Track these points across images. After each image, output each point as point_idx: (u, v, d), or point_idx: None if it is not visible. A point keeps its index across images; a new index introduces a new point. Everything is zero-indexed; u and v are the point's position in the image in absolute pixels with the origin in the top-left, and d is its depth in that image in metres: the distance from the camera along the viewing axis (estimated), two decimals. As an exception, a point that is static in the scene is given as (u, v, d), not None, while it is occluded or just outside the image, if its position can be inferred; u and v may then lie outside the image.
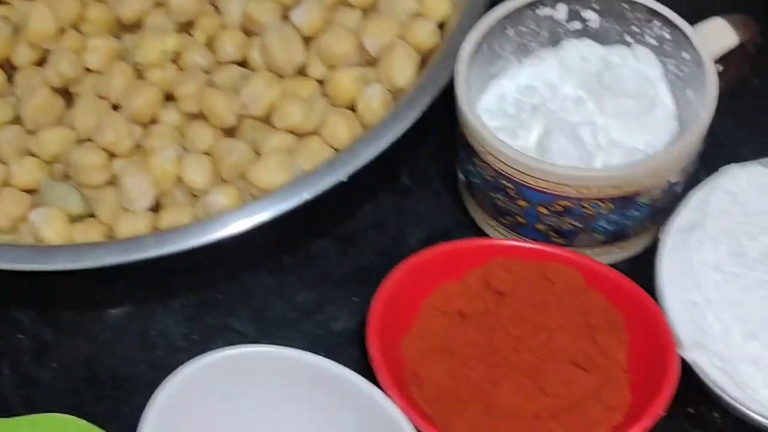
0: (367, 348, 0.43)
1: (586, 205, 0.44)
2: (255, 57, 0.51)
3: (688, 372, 0.43)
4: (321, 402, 0.42)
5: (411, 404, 0.41)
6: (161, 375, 0.47)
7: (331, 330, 0.48)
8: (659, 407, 0.41)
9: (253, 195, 0.47)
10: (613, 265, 0.47)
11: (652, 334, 0.43)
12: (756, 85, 0.56)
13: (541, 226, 0.46)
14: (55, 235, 0.46)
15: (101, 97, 0.50)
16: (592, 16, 0.49)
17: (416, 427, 0.40)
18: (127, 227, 0.46)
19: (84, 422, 0.43)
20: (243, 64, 0.52)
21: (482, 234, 0.50)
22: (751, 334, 0.42)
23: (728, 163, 0.48)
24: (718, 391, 0.42)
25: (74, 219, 0.48)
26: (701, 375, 0.42)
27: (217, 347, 0.47)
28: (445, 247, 0.46)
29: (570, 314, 0.44)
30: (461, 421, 0.41)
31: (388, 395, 0.41)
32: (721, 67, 0.49)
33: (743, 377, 0.42)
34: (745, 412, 0.41)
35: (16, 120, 0.51)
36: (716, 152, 0.50)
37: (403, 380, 0.43)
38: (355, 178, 0.46)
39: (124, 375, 0.48)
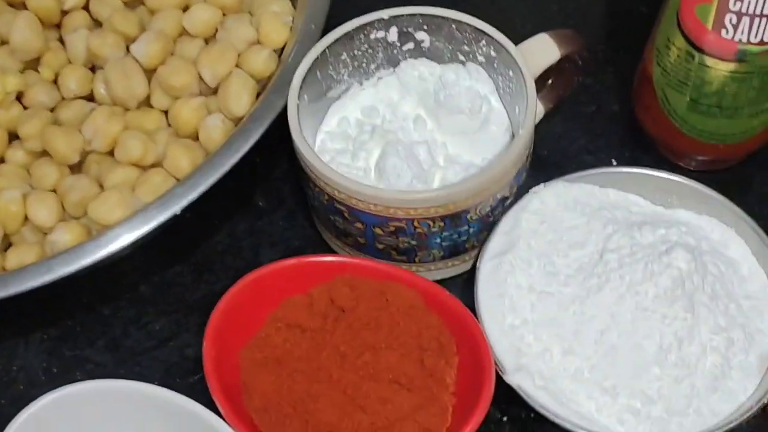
0: (203, 357, 0.44)
1: (418, 225, 0.46)
2: (101, 91, 0.52)
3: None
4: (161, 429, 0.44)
5: (241, 415, 0.43)
6: (20, 409, 0.48)
7: (186, 356, 0.50)
8: (470, 429, 0.42)
9: (99, 231, 0.48)
10: (456, 278, 0.49)
11: (475, 357, 0.44)
12: (597, 89, 0.58)
13: (380, 246, 0.48)
14: None
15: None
16: (424, 37, 0.51)
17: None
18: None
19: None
20: (91, 98, 0.53)
21: (333, 252, 0.51)
22: (568, 350, 0.44)
23: (570, 172, 0.49)
24: (544, 411, 0.43)
25: None
26: (526, 398, 0.43)
27: (76, 380, 0.49)
28: (291, 262, 0.47)
29: (401, 335, 0.45)
30: None
31: (217, 404, 0.43)
32: (550, 81, 0.51)
33: (565, 393, 0.43)
34: (570, 428, 0.42)
35: None
36: (558, 160, 0.52)
37: (237, 390, 0.44)
38: (201, 203, 0.47)
39: (-17, 413, 0.49)
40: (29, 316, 0.51)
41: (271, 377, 0.44)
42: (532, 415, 0.46)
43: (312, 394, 0.43)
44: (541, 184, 0.48)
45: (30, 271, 0.45)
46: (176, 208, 0.46)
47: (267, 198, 0.55)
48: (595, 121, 0.57)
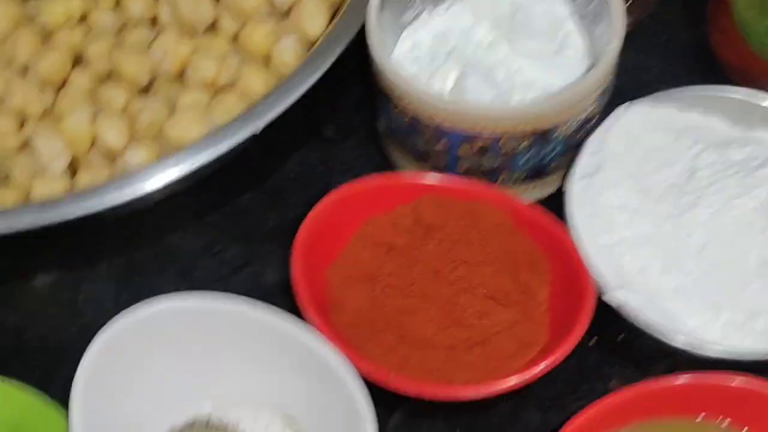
0: (291, 273, 0.43)
1: (504, 143, 0.45)
2: (165, 16, 0.50)
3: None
4: (248, 345, 0.42)
5: (330, 329, 0.42)
6: (92, 338, 0.47)
7: (261, 283, 0.48)
8: (571, 343, 0.41)
9: (172, 151, 0.46)
10: (539, 202, 0.48)
11: (572, 274, 0.43)
12: (671, 18, 0.57)
13: (462, 167, 0.47)
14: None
15: (8, 64, 0.49)
16: (498, -44, 0.50)
17: (335, 350, 0.41)
18: (44, 190, 0.45)
19: (15, 385, 0.43)
20: (155, 22, 0.51)
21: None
22: (668, 267, 0.43)
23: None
24: (648, 329, 0.42)
25: (-10, 186, 0.47)
26: (630, 315, 0.42)
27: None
28: (376, 180, 0.47)
29: (493, 252, 0.44)
30: (375, 347, 0.42)
31: (307, 318, 0.42)
32: (628, 3, 0.50)
33: (669, 310, 0.42)
34: (678, 344, 0.42)
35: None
36: (634, 88, 0.51)
37: (324, 307, 0.43)
38: (273, 130, 0.46)
39: (54, 342, 0.47)
40: (95, 244, 0.50)
41: (362, 293, 0.43)
42: (618, 338, 0.46)
43: (407, 308, 0.42)
44: (626, 103, 0.47)
45: (107, 188, 0.43)
46: (258, 125, 0.44)
47: (336, 128, 0.53)
48: (667, 50, 0.55)
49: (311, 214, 0.45)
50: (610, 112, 0.48)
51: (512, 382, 0.41)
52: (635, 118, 0.47)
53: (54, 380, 0.46)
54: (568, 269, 0.43)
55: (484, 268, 0.43)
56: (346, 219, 0.45)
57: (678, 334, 0.41)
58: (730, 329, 0.42)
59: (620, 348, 0.45)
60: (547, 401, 0.44)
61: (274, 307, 0.42)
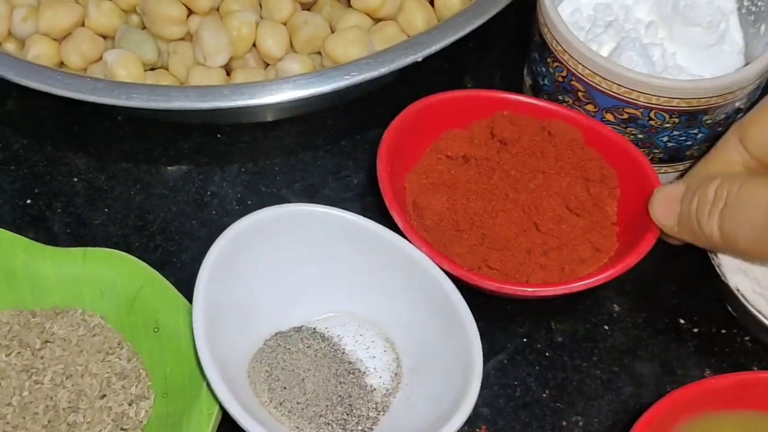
0: (378, 178, 0.44)
1: (653, 116, 0.45)
2: (337, -61, 0.51)
3: (721, 295, 0.44)
4: (356, 252, 0.44)
5: (413, 232, 0.43)
6: (212, 233, 0.48)
7: (383, 212, 0.49)
8: (643, 250, 0.43)
9: (326, 67, 0.48)
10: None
11: (643, 190, 0.45)
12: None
13: (603, 134, 0.47)
14: (129, 77, 0.46)
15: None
16: (676, -57, 0.50)
17: (419, 249, 0.42)
18: (200, 80, 0.47)
19: (136, 260, 0.44)
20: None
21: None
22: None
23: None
24: (758, 314, 0.43)
25: (147, 67, 0.48)
26: (742, 299, 0.43)
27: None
28: (452, 94, 0.48)
29: (567, 165, 0.46)
30: (458, 247, 0.43)
31: (395, 218, 0.43)
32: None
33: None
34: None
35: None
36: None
37: (405, 211, 0.45)
38: (425, 73, 0.47)
39: (175, 229, 0.49)
40: (230, 146, 0.51)
41: (443, 197, 0.45)
42: (723, 330, 0.46)
43: (490, 210, 0.44)
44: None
45: (267, 86, 0.45)
46: (419, 55, 0.45)
47: (475, 82, 0.54)
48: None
49: (396, 120, 0.46)
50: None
51: (590, 281, 0.42)
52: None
53: (171, 263, 0.47)
54: (639, 185, 0.45)
55: (559, 179, 0.45)
56: (426, 130, 0.47)
57: None
58: None
59: (720, 341, 0.46)
60: (642, 377, 0.45)
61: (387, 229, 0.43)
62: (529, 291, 0.43)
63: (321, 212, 0.44)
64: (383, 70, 0.45)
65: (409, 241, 0.43)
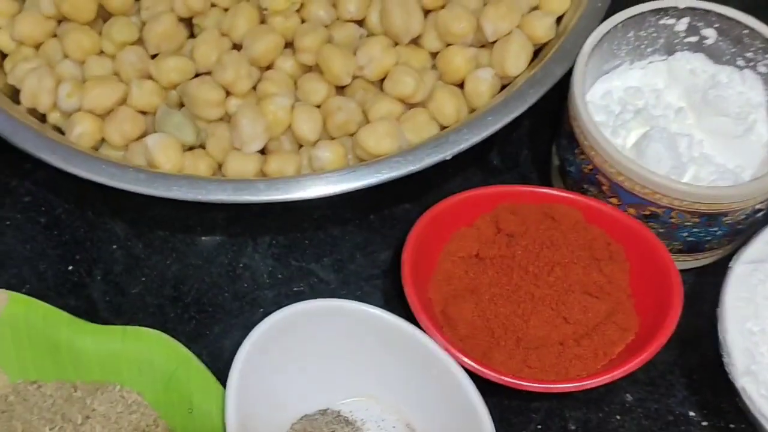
0: (405, 293, 0.46)
1: (674, 215, 0.47)
2: (373, 19, 0.52)
3: (732, 392, 0.46)
4: (381, 344, 0.46)
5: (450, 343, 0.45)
6: (243, 306, 0.50)
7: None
8: (669, 329, 0.45)
9: (357, 156, 0.49)
10: (682, 272, 0.50)
11: (652, 261, 0.47)
12: None
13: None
14: (168, 162, 0.48)
15: (223, 35, 0.52)
16: (710, 34, 0.51)
17: (459, 363, 0.44)
18: (237, 166, 0.48)
19: (172, 340, 0.46)
20: (361, 23, 0.53)
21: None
22: (795, 371, 0.45)
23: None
24: (762, 419, 0.44)
25: (185, 148, 0.50)
26: (747, 400, 0.44)
27: (298, 289, 0.51)
28: (457, 197, 0.49)
29: (576, 249, 0.48)
30: (498, 355, 0.45)
31: (432, 337, 0.45)
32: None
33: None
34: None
35: (138, 41, 0.53)
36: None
37: (435, 322, 0.46)
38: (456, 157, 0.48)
39: (209, 300, 0.51)
40: (261, 219, 0.53)
41: (470, 305, 0.47)
42: (732, 425, 0.48)
43: (520, 314, 0.46)
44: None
45: (299, 182, 0.46)
46: (447, 153, 0.47)
47: (502, 158, 0.56)
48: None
49: (409, 239, 0.48)
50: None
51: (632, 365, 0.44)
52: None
53: (204, 336, 0.49)
54: (647, 255, 0.47)
55: (575, 267, 0.47)
56: (436, 237, 0.49)
57: None
58: None
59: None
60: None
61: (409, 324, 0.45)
62: (579, 385, 0.44)
63: (348, 307, 0.46)
64: (412, 168, 0.46)
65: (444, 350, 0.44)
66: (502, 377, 0.44)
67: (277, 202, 0.46)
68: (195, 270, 0.52)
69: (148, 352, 0.47)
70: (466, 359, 0.44)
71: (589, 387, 0.45)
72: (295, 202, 0.52)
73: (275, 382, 0.45)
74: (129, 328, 0.47)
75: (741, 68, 0.51)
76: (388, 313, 0.45)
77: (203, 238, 0.53)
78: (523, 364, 0.45)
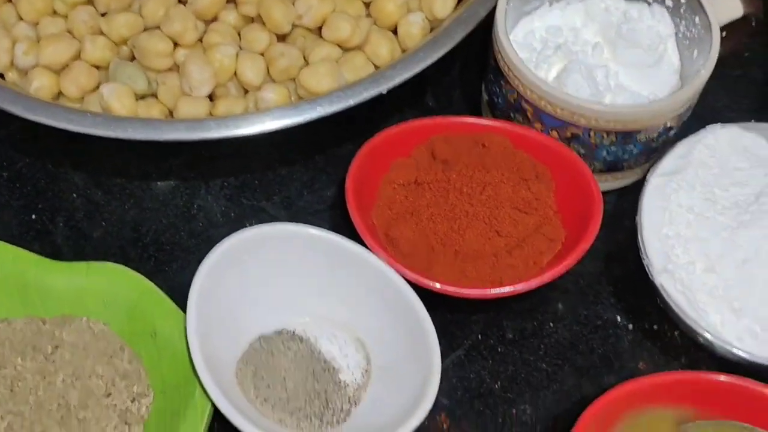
0: (351, 216, 0.50)
1: (593, 135, 0.51)
2: (311, -28, 0.56)
3: (653, 294, 0.51)
4: (332, 265, 0.49)
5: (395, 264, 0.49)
6: (200, 243, 0.54)
7: (350, 223, 0.55)
8: (591, 235, 0.49)
9: (300, 96, 0.53)
10: (605, 193, 0.54)
11: (575, 179, 0.51)
12: (746, 56, 0.63)
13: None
14: (123, 108, 0.51)
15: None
16: (617, -28, 0.55)
17: (403, 277, 0.48)
18: (188, 110, 0.52)
19: (134, 273, 0.50)
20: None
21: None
22: (710, 268, 0.49)
23: (713, 122, 0.54)
24: (678, 311, 0.48)
25: (138, 97, 0.53)
26: (666, 296, 0.49)
27: (250, 225, 0.54)
28: (394, 129, 0.53)
29: (505, 171, 0.52)
30: (438, 266, 0.49)
31: (377, 254, 0.49)
32: (724, 34, 0.56)
33: (699, 303, 0.48)
34: (698, 330, 0.48)
35: (88, 1, 0.56)
36: (705, 112, 0.57)
37: (379, 243, 0.50)
38: (391, 93, 0.52)
39: (167, 240, 0.54)
40: (214, 163, 0.57)
41: (411, 226, 0.51)
42: (656, 327, 0.52)
43: (457, 229, 0.50)
44: (718, 124, 0.53)
45: (248, 119, 0.50)
46: (383, 87, 0.50)
47: (436, 99, 0.60)
48: (739, 83, 0.61)
49: (351, 169, 0.51)
50: (688, 127, 0.54)
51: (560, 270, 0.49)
52: (725, 138, 0.53)
53: (163, 271, 0.53)
54: (572, 175, 0.52)
55: (504, 186, 0.51)
56: (376, 167, 0.53)
57: (700, 322, 0.47)
58: (747, 335, 0.47)
59: (653, 336, 0.52)
60: (583, 370, 0.51)
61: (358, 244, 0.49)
62: (514, 289, 0.48)
63: (298, 231, 0.49)
64: (351, 102, 0.50)
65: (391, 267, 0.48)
66: (443, 286, 0.48)
67: (227, 138, 0.49)
68: (152, 213, 0.55)
69: (112, 285, 0.50)
70: (409, 272, 0.48)
71: (522, 291, 0.49)
72: (245, 145, 0.55)
73: (233, 304, 0.49)
74: (93, 263, 0.50)
75: (650, 3, 0.56)
76: (336, 234, 0.49)
77: (159, 183, 0.56)
78: (462, 275, 0.49)
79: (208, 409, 0.46)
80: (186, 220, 0.55)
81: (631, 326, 0.52)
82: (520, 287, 0.48)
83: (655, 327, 0.52)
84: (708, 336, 0.48)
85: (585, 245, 0.49)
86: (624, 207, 0.55)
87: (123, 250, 0.54)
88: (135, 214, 0.55)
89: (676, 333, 0.52)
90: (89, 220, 0.55)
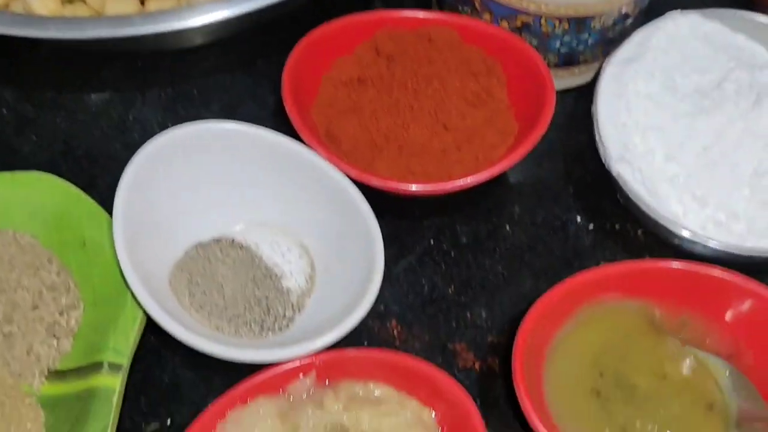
0: (287, 111, 0.47)
1: (544, 23, 0.48)
2: None
3: (614, 192, 0.48)
4: (269, 165, 0.47)
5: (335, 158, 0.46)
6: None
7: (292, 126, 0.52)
8: (542, 128, 0.47)
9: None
10: (565, 91, 0.52)
11: (528, 71, 0.49)
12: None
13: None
14: (46, 10, 0.48)
15: None
16: None
17: (344, 174, 0.45)
18: (116, 11, 0.49)
19: (61, 180, 0.47)
20: None
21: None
22: (670, 156, 0.46)
23: (673, 10, 0.51)
24: (638, 202, 0.46)
25: (65, 1, 0.50)
26: (624, 186, 0.46)
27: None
28: (335, 23, 0.50)
29: (453, 65, 0.49)
30: (380, 162, 0.46)
31: (316, 151, 0.46)
32: None
33: (659, 192, 0.46)
34: (659, 221, 0.45)
35: None
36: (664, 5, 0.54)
37: (319, 141, 0.47)
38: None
39: (100, 152, 0.51)
40: (149, 73, 0.54)
41: (353, 122, 0.48)
42: (617, 225, 0.49)
43: (400, 123, 0.48)
44: (678, 10, 0.50)
45: (176, 13, 0.47)
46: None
47: (385, 3, 0.57)
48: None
49: (288, 63, 0.48)
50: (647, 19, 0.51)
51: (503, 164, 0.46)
52: (686, 25, 0.50)
53: (96, 185, 0.50)
54: (522, 68, 0.49)
55: (452, 79, 0.49)
56: (316, 64, 0.50)
57: (660, 212, 0.45)
58: (710, 224, 0.45)
59: (615, 235, 0.49)
60: (541, 271, 0.48)
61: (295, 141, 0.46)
62: (463, 183, 0.46)
63: (233, 128, 0.46)
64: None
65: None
66: (386, 182, 0.45)
67: (154, 34, 0.46)
68: (85, 125, 0.52)
69: (39, 194, 0.47)
70: (352, 170, 0.45)
71: (471, 185, 0.46)
72: (184, 54, 0.52)
73: (165, 210, 0.46)
74: (18, 173, 0.47)
75: None
76: (272, 131, 0.46)
77: (92, 95, 0.53)
78: (407, 171, 0.47)
79: (140, 317, 0.43)
80: (120, 132, 0.52)
81: (591, 226, 0.50)
82: (470, 180, 0.46)
83: (617, 226, 0.50)
84: (670, 227, 0.45)
85: (538, 132, 0.46)
86: (583, 107, 0.52)
87: (54, 163, 0.51)
88: (66, 127, 0.52)
89: (639, 231, 0.49)
90: (19, 135, 0.52)
